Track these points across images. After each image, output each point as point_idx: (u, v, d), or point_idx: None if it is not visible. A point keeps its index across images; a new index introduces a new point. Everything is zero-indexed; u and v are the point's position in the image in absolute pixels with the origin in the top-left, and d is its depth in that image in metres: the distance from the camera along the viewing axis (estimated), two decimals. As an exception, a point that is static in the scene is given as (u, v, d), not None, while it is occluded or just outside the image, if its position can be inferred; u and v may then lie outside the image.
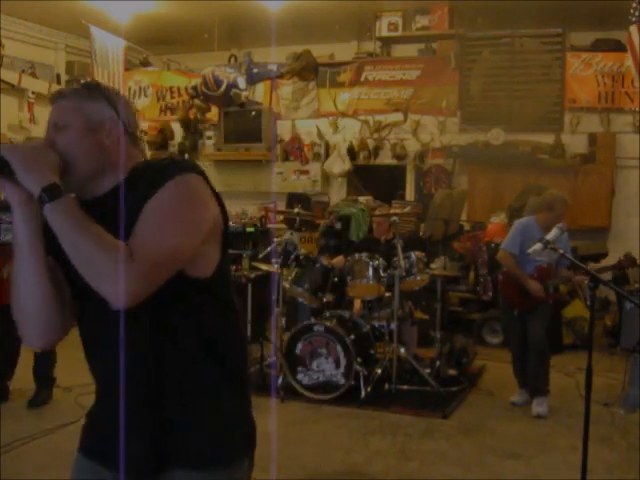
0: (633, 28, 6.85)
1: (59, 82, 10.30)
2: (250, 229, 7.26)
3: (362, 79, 9.00)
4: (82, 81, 1.61)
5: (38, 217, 1.44)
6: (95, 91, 1.57)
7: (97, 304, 1.41)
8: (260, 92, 9.46)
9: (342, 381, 4.98)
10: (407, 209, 7.47)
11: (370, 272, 5.29)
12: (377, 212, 6.36)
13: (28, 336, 1.55)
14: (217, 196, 1.57)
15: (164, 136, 9.77)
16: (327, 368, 5.03)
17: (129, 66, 9.76)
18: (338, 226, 7.15)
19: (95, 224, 1.40)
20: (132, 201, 1.46)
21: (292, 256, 5.32)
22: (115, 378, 1.51)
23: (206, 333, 1.57)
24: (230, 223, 1.67)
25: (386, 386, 5.12)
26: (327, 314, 5.32)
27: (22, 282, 1.48)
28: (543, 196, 5.07)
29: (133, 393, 1.52)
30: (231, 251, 7.38)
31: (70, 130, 1.51)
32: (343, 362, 4.98)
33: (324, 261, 5.45)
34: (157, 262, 1.41)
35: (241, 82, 8.88)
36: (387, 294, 5.39)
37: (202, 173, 1.54)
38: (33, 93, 9.56)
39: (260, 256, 6.39)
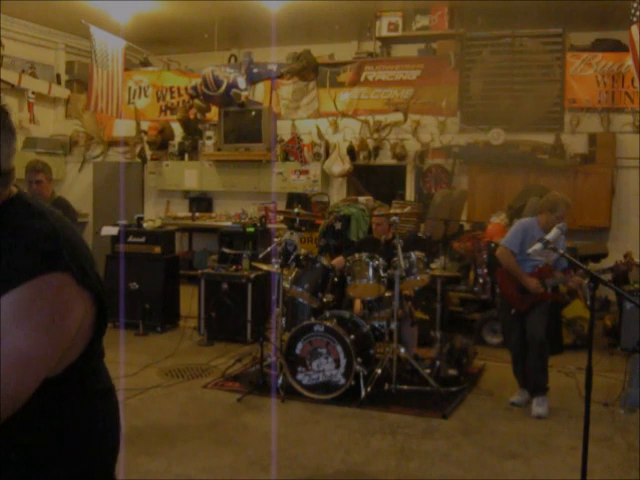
0: (634, 28, 6.85)
1: (59, 82, 10.33)
2: (250, 229, 7.26)
3: (362, 79, 9.00)
4: None
5: None
6: None
7: None
8: (260, 92, 9.47)
9: (342, 381, 4.98)
10: (407, 209, 7.47)
11: (370, 272, 5.28)
12: (377, 212, 6.36)
13: None
14: (90, 284, 1.33)
15: (164, 136, 9.79)
16: (327, 368, 5.02)
17: (129, 66, 9.77)
18: (338, 226, 7.15)
19: None
20: None
21: (292, 256, 5.31)
22: None
23: (44, 439, 1.34)
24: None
25: (386, 386, 5.11)
26: (327, 314, 5.32)
27: None
28: (545, 197, 5.07)
29: None
30: (231, 251, 7.31)
31: None
32: (343, 362, 4.98)
33: (324, 261, 5.45)
34: None
35: (241, 82, 8.89)
36: (387, 294, 5.39)
37: (70, 266, 1.29)
38: (33, 93, 9.59)
39: (260, 256, 6.40)
